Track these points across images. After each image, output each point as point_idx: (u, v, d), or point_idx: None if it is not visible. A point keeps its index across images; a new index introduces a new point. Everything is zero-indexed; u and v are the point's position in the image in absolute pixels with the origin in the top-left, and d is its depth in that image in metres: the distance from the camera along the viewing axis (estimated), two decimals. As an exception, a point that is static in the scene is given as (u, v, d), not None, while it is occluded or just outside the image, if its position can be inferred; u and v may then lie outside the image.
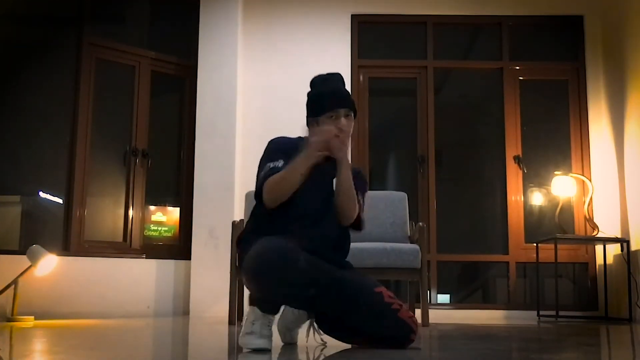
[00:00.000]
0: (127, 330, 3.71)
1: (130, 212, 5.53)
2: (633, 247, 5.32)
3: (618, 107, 5.72)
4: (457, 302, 6.22)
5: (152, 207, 5.72)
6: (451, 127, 6.39)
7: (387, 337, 2.47)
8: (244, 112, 5.94)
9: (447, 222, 6.06)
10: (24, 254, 4.51)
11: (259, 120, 5.96)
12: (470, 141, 6.65)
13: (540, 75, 6.25)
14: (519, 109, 6.13)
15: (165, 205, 5.84)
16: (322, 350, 2.51)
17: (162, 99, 6.08)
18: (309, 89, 2.75)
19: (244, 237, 2.57)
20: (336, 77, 2.71)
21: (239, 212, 5.35)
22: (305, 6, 6.19)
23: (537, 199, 6.14)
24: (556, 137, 6.15)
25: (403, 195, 4.97)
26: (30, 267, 4.48)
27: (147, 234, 5.65)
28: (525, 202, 6.03)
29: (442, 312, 5.64)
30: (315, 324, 2.62)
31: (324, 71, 2.89)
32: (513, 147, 6.06)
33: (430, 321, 4.33)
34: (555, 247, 5.23)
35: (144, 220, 5.64)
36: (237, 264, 3.18)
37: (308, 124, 2.67)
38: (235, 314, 4.30)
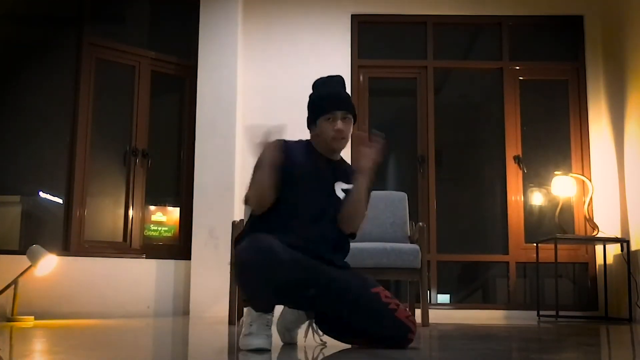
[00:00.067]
0: (127, 330, 3.71)
1: (130, 212, 5.53)
2: (633, 247, 5.32)
3: (618, 107, 5.72)
4: (457, 302, 6.22)
5: (152, 207, 5.72)
6: (451, 127, 6.39)
7: (385, 337, 2.47)
8: (244, 112, 5.94)
9: (447, 222, 6.06)
10: (24, 254, 4.51)
11: (259, 120, 5.95)
12: (470, 141, 6.65)
13: (540, 75, 6.25)
14: (519, 109, 6.13)
15: (165, 205, 5.84)
16: (321, 350, 2.51)
17: (162, 99, 6.08)
18: (311, 91, 2.75)
19: (241, 238, 2.58)
20: (336, 80, 2.71)
21: (239, 212, 5.35)
22: (305, 6, 6.19)
23: (537, 199, 6.14)
24: (556, 137, 6.14)
25: (403, 195, 4.97)
26: (30, 267, 4.48)
27: (147, 234, 5.65)
28: (525, 202, 6.03)
29: (442, 312, 5.64)
30: (314, 324, 2.63)
31: (324, 71, 2.90)
32: (513, 147, 6.06)
33: (430, 321, 4.33)
34: (555, 247, 5.23)
35: (144, 220, 5.64)
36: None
37: (309, 126, 2.69)
38: (235, 314, 4.30)
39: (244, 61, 5.99)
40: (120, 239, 5.49)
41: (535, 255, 5.59)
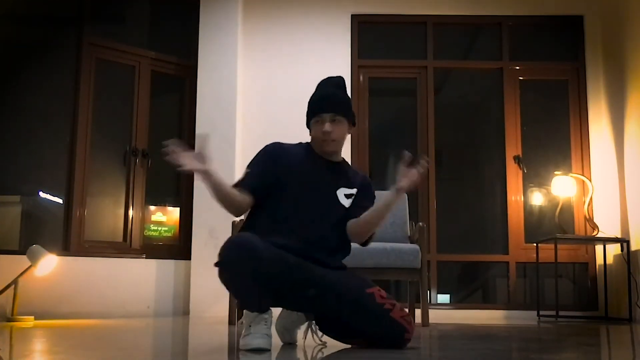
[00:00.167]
0: (127, 330, 3.71)
1: (130, 212, 5.53)
2: (633, 247, 5.32)
3: (618, 107, 5.72)
4: (457, 302, 6.22)
5: (152, 207, 5.72)
6: (451, 127, 6.39)
7: (381, 338, 2.47)
8: (244, 112, 5.94)
9: (447, 222, 6.06)
10: (24, 254, 4.51)
11: (259, 120, 5.96)
12: (470, 141, 6.65)
13: (540, 75, 6.25)
14: (519, 109, 6.13)
15: (165, 205, 5.84)
16: (321, 350, 2.51)
17: (162, 99, 6.08)
18: (311, 91, 2.75)
19: None
20: (332, 81, 2.69)
21: (239, 212, 5.34)
22: (305, 6, 6.19)
23: (537, 199, 6.14)
24: (556, 137, 6.15)
25: (403, 195, 4.97)
26: (30, 267, 4.48)
27: (147, 234, 5.65)
28: (525, 202, 6.03)
29: (442, 312, 5.64)
30: (313, 325, 2.63)
31: (324, 71, 2.90)
32: (513, 147, 6.06)
33: (430, 321, 4.33)
34: (555, 247, 5.23)
35: (144, 220, 5.64)
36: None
37: (308, 127, 2.69)
38: (235, 314, 4.30)
39: (244, 61, 5.99)
40: (120, 239, 5.49)
41: (535, 255, 5.59)
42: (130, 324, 4.23)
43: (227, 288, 2.45)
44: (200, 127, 5.72)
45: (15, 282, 4.43)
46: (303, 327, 2.70)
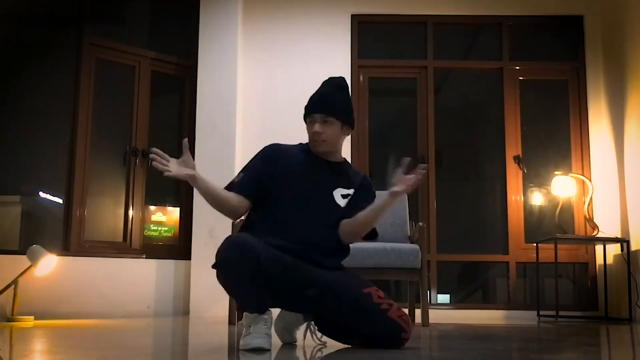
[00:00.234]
0: (127, 330, 3.71)
1: (130, 212, 5.53)
2: (633, 247, 5.32)
3: (618, 107, 5.72)
4: (457, 302, 6.22)
5: (152, 207, 5.72)
6: (451, 127, 6.39)
7: (378, 337, 2.47)
8: (244, 112, 5.95)
9: (447, 222, 6.06)
10: (24, 254, 4.51)
11: (259, 120, 5.96)
12: (470, 141, 6.65)
13: (540, 75, 6.25)
14: (519, 109, 6.13)
15: (165, 205, 5.84)
16: (321, 350, 2.51)
17: (162, 99, 6.08)
18: (311, 90, 2.75)
19: None
20: (331, 82, 2.69)
21: (239, 212, 5.35)
22: (305, 6, 6.19)
23: (537, 199, 6.14)
24: (556, 137, 6.15)
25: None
26: (30, 267, 4.48)
27: (147, 234, 5.65)
28: (525, 202, 6.03)
29: (442, 312, 5.64)
30: (312, 325, 2.63)
31: (324, 71, 2.92)
32: (513, 147, 6.06)
33: (430, 321, 4.33)
34: (555, 247, 5.23)
35: (144, 220, 5.64)
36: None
37: None
38: (235, 314, 4.30)
39: (244, 61, 5.99)
40: (120, 239, 5.49)
41: (535, 255, 5.59)
42: (130, 324, 4.23)
43: (226, 289, 2.45)
44: (200, 127, 5.72)
45: (15, 282, 4.43)
46: (302, 327, 2.71)
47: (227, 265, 2.34)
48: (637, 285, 5.18)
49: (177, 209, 5.83)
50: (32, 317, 4.43)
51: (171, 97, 6.20)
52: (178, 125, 6.02)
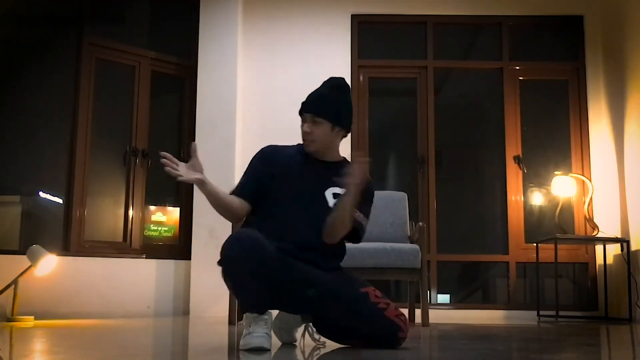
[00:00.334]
0: (127, 330, 3.71)
1: (130, 212, 5.53)
2: (633, 247, 5.32)
3: (618, 107, 5.72)
4: (457, 302, 6.22)
5: (152, 207, 5.72)
6: (451, 127, 6.39)
7: (375, 337, 2.48)
8: (244, 112, 5.94)
9: (447, 222, 6.06)
10: (24, 254, 4.51)
11: (259, 120, 5.96)
12: (470, 141, 6.65)
13: (540, 75, 6.25)
14: (519, 109, 6.13)
15: (165, 205, 5.84)
16: (320, 350, 2.51)
17: (162, 99, 6.08)
18: (311, 90, 2.75)
19: None
20: (328, 82, 2.68)
21: (239, 212, 5.34)
22: (305, 6, 6.19)
23: (537, 199, 6.13)
24: (556, 137, 6.14)
25: (403, 195, 4.97)
26: (30, 267, 4.48)
27: (147, 234, 5.65)
28: (525, 202, 6.03)
29: (442, 312, 5.64)
30: (311, 326, 2.63)
31: (324, 71, 2.92)
32: (513, 147, 6.06)
33: (430, 321, 4.33)
34: (555, 247, 5.23)
35: (144, 220, 5.64)
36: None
37: None
38: (235, 314, 4.30)
39: (244, 61, 5.99)
40: (120, 239, 5.49)
41: (535, 255, 5.58)
42: (130, 324, 4.23)
43: (229, 286, 2.44)
44: (200, 127, 5.72)
45: (15, 282, 4.43)
46: (300, 329, 2.71)
47: (233, 259, 2.34)
48: (637, 285, 5.18)
49: (177, 209, 5.83)
50: (32, 317, 4.43)
51: (171, 97, 6.20)
52: (178, 126, 6.02)
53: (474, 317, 5.62)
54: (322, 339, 2.62)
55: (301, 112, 2.62)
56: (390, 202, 4.86)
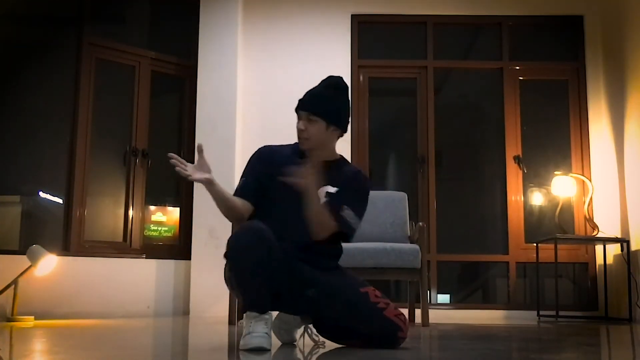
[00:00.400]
0: (127, 330, 3.71)
1: (130, 212, 5.53)
2: (633, 247, 5.32)
3: (618, 107, 5.72)
4: (457, 302, 6.22)
5: (152, 207, 5.72)
6: (451, 127, 6.40)
7: (375, 337, 2.48)
8: (244, 112, 5.94)
9: (447, 222, 6.06)
10: (24, 254, 4.51)
11: (259, 120, 5.96)
12: (470, 141, 6.65)
13: (540, 75, 6.25)
14: (519, 109, 6.13)
15: (165, 205, 5.84)
16: (320, 350, 2.51)
17: (162, 99, 6.08)
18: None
19: None
20: (326, 80, 2.68)
21: (239, 212, 5.34)
22: (305, 6, 6.19)
23: (537, 199, 6.14)
24: (556, 137, 6.15)
25: (403, 195, 4.98)
26: (30, 267, 4.48)
27: (147, 234, 5.65)
28: (525, 202, 6.03)
29: (442, 312, 5.64)
30: (310, 327, 2.63)
31: (324, 71, 2.91)
32: (513, 147, 6.06)
33: (430, 321, 4.33)
34: (555, 247, 5.23)
35: (144, 220, 5.64)
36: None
37: None
38: (235, 314, 4.30)
39: (244, 61, 5.99)
40: (120, 239, 5.49)
41: (535, 255, 5.58)
42: (130, 324, 4.23)
43: (232, 283, 2.44)
44: (200, 127, 5.72)
45: (15, 282, 4.43)
46: (300, 330, 2.71)
47: (241, 247, 2.33)
48: (637, 285, 5.18)
49: (177, 209, 5.83)
50: (32, 317, 4.43)
51: (171, 97, 6.20)
52: (178, 126, 6.02)
53: (474, 317, 5.62)
54: (322, 339, 2.62)
55: (297, 110, 2.63)
56: (390, 202, 4.86)
